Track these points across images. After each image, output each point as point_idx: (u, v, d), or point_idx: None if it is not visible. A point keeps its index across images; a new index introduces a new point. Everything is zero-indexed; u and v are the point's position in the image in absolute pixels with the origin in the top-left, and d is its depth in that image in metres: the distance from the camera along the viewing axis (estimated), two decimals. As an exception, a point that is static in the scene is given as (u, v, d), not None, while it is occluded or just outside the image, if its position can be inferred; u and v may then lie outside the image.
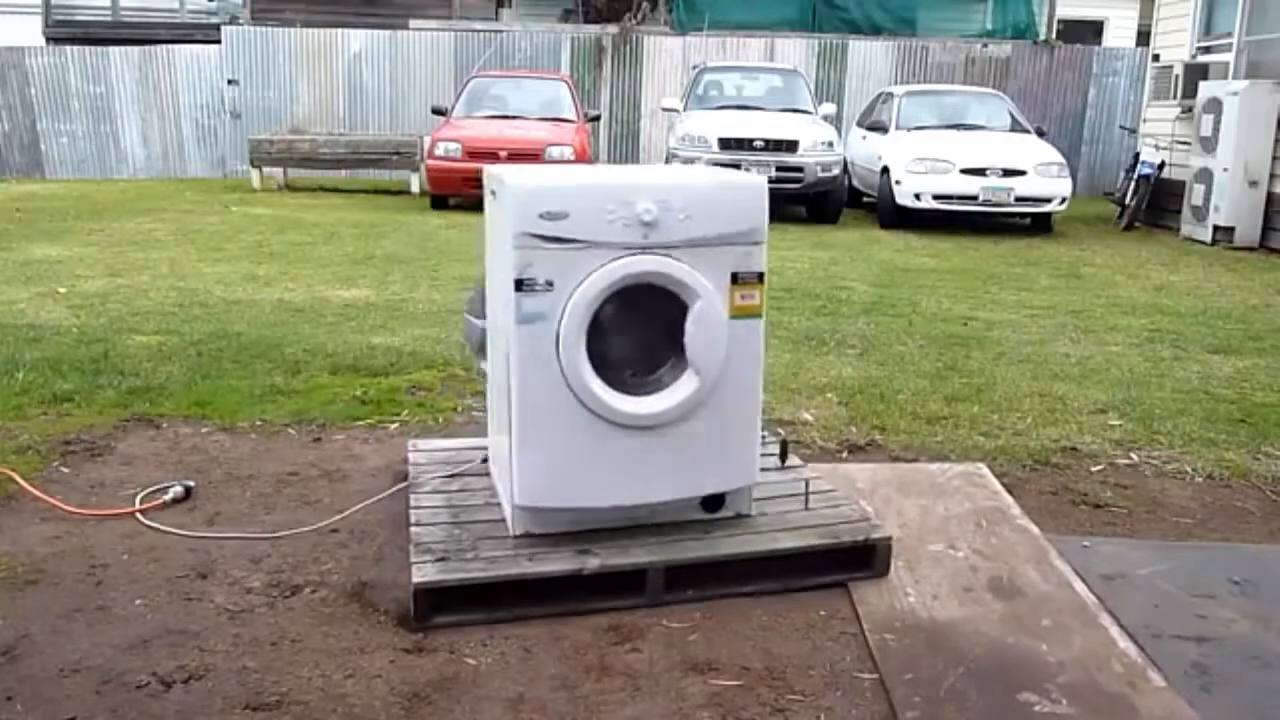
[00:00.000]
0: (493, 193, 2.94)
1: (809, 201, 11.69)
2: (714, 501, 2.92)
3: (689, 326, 2.73)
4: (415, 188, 13.44)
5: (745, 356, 2.82)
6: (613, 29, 16.25)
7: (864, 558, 2.86)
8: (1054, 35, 17.26)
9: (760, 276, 2.79)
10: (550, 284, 2.60)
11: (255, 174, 13.78)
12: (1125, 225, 11.77)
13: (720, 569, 2.76)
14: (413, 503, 3.02)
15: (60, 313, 5.89)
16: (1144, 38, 16.75)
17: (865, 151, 12.43)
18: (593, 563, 2.67)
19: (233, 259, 7.97)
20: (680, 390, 2.77)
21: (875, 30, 16.91)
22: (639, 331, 2.84)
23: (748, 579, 2.77)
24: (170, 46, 16.04)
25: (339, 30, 16.05)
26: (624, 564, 2.68)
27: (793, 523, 2.94)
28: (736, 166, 10.04)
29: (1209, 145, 10.55)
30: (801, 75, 13.71)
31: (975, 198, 10.85)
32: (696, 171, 3.54)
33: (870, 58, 16.20)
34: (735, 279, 2.75)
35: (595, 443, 2.73)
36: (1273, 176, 10.12)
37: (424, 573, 2.58)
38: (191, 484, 3.35)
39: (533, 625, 2.57)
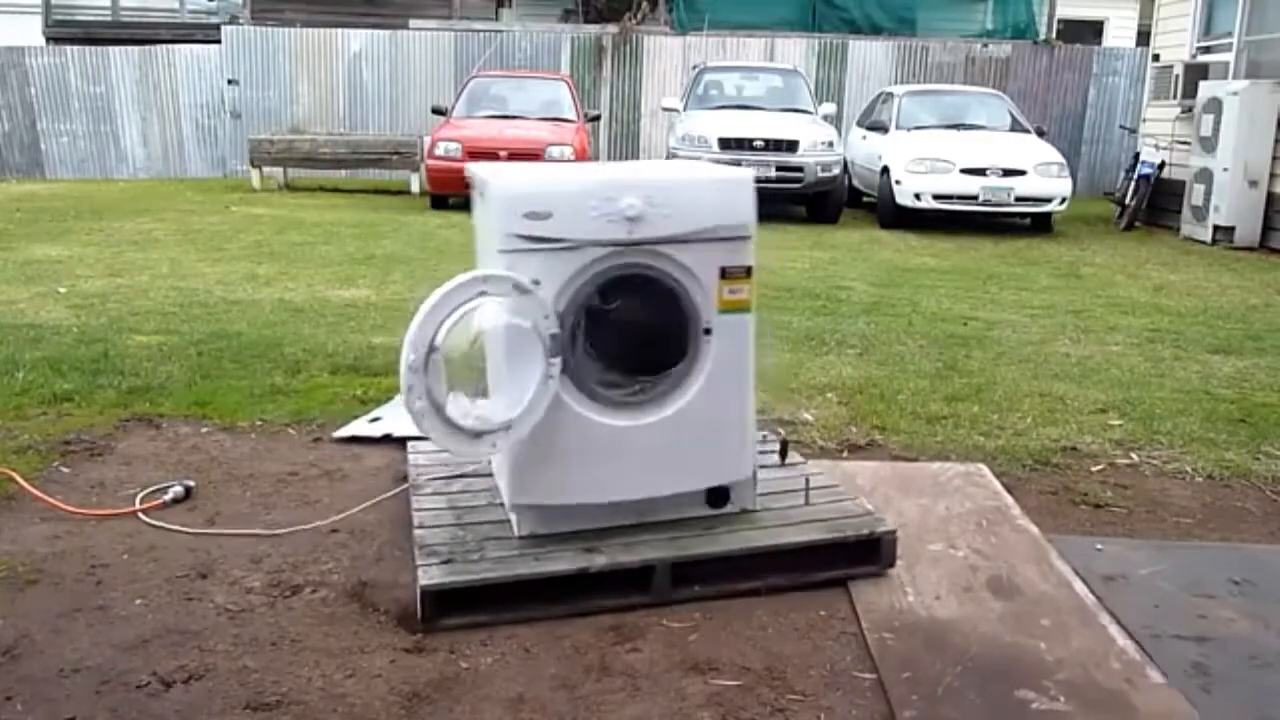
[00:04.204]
0: (480, 194, 2.95)
1: (809, 201, 11.69)
2: (719, 497, 2.93)
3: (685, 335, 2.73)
4: (415, 188, 13.44)
5: (735, 350, 2.82)
6: (613, 29, 16.25)
7: (869, 552, 2.86)
8: (1054, 35, 17.26)
9: (748, 270, 2.79)
10: (537, 284, 2.60)
11: (255, 174, 13.78)
12: (1125, 225, 11.77)
13: (726, 565, 2.77)
14: (415, 504, 3.02)
15: (60, 313, 5.89)
16: (1144, 38, 16.76)
17: (865, 151, 12.43)
18: (599, 560, 2.67)
19: (233, 259, 7.97)
20: (672, 388, 2.78)
21: (875, 30, 16.91)
22: (629, 327, 2.84)
23: (753, 574, 2.78)
24: (170, 46, 16.03)
25: (339, 30, 16.04)
26: (631, 561, 2.69)
27: (797, 518, 2.95)
28: (737, 166, 10.03)
29: (1209, 145, 10.55)
30: (801, 75, 13.71)
31: (975, 198, 10.85)
32: (683, 167, 3.54)
33: (870, 58, 16.19)
34: (723, 273, 2.76)
35: (588, 439, 2.73)
36: (1273, 176, 10.12)
37: (430, 575, 2.57)
38: (191, 484, 3.35)
39: (533, 625, 2.57)
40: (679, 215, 2.69)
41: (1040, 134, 12.16)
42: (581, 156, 11.68)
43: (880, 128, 12.29)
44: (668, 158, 11.99)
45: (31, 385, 4.38)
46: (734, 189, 2.80)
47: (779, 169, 11.02)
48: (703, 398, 2.80)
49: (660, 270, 2.72)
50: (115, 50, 15.80)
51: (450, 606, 2.55)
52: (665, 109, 13.49)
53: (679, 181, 2.89)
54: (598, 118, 14.63)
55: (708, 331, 2.78)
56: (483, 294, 2.53)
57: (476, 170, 2.97)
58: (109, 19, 18.11)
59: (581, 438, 2.73)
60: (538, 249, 2.61)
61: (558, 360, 2.61)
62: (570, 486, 2.77)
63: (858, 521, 2.93)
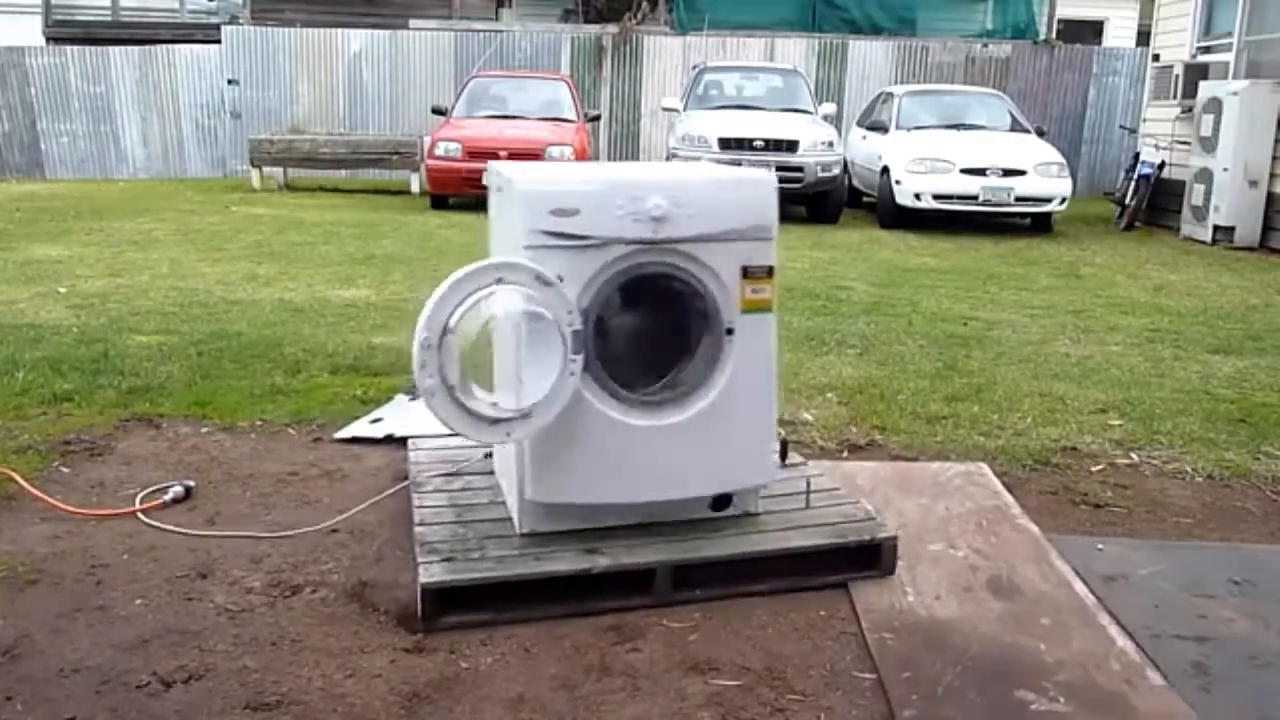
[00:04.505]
0: (499, 189, 2.94)
1: (809, 201, 11.68)
2: (722, 500, 2.93)
3: (701, 335, 2.74)
4: (415, 188, 13.44)
5: (757, 351, 2.82)
6: (613, 29, 16.25)
7: (870, 557, 2.86)
8: (1054, 35, 17.26)
9: (770, 270, 2.79)
10: (561, 280, 2.60)
11: (255, 174, 13.78)
12: (1125, 225, 11.77)
13: (728, 568, 2.76)
14: (415, 502, 3.02)
15: (60, 313, 5.89)
16: (1144, 38, 16.76)
17: (865, 151, 12.43)
18: (601, 562, 2.67)
19: (233, 259, 7.97)
20: (694, 388, 2.79)
21: (875, 30, 16.91)
22: (651, 326, 2.85)
23: (754, 578, 2.77)
24: (170, 46, 16.04)
25: (339, 30, 16.05)
26: (633, 563, 2.68)
27: (799, 522, 2.95)
28: (736, 166, 10.03)
29: (1209, 145, 10.55)
30: (801, 75, 13.71)
31: (975, 198, 10.85)
32: (707, 168, 3.55)
33: (870, 58, 16.20)
34: (746, 273, 2.76)
35: (609, 438, 2.72)
36: (1273, 176, 10.12)
37: (431, 573, 2.57)
38: (191, 484, 3.35)
39: (533, 625, 2.57)
40: (704, 215, 2.70)
41: (1040, 134, 12.16)
42: (581, 156, 11.69)
43: (880, 128, 12.29)
44: (668, 158, 11.99)
45: (31, 385, 4.38)
46: (758, 190, 2.81)
47: (779, 169, 10.83)
48: (725, 398, 2.79)
49: (684, 269, 2.72)
50: (115, 50, 15.80)
51: (451, 604, 2.55)
52: (665, 109, 13.49)
53: (704, 182, 2.89)
54: (598, 118, 14.63)
55: (730, 331, 2.78)
56: (499, 281, 2.52)
57: (497, 167, 2.97)
58: (109, 19, 18.11)
59: (602, 436, 2.72)
60: (563, 246, 2.61)
61: (580, 357, 2.60)
62: (589, 486, 2.76)
63: (859, 526, 2.92)
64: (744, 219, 2.75)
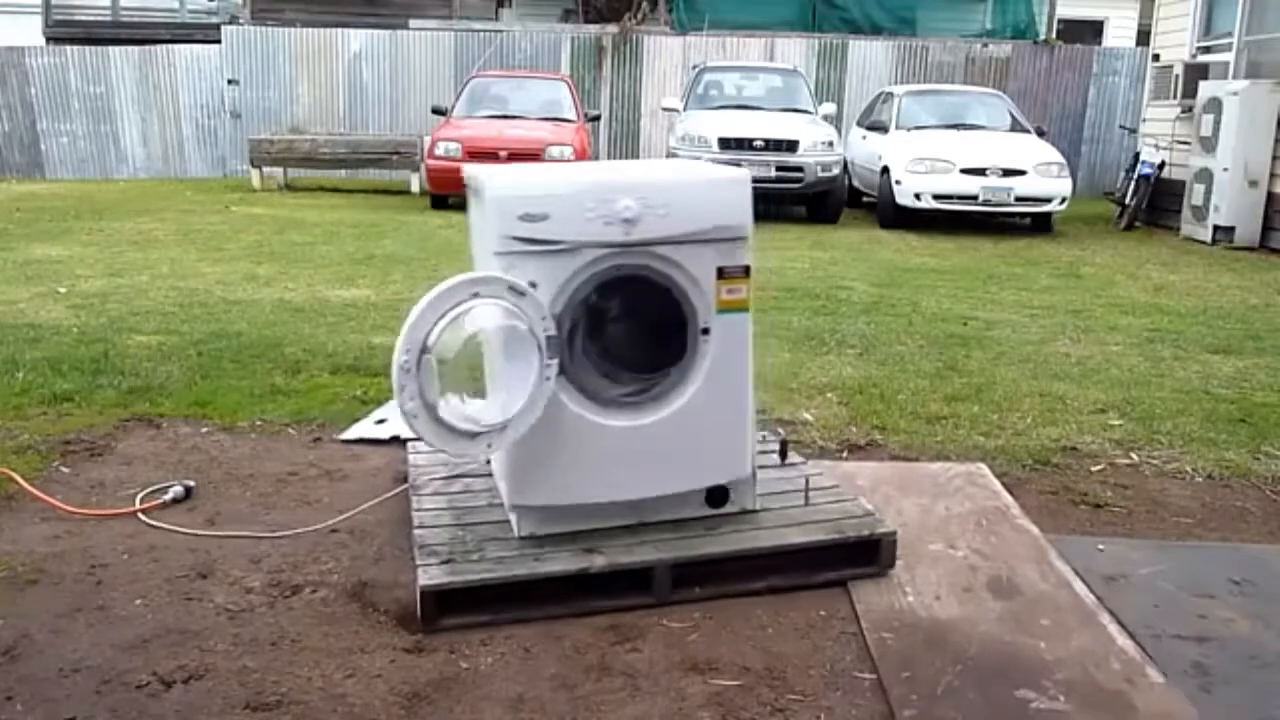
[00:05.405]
0: (475, 193, 2.94)
1: (809, 201, 11.69)
2: (719, 497, 2.93)
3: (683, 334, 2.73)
4: (415, 188, 13.44)
5: (733, 350, 2.82)
6: (613, 29, 16.25)
7: (869, 553, 2.86)
8: (1054, 35, 17.26)
9: (746, 270, 2.79)
10: (534, 285, 2.60)
11: (255, 174, 13.78)
12: (1125, 225, 11.77)
13: (726, 565, 2.76)
14: (415, 504, 3.02)
15: (60, 313, 5.89)
16: (1144, 38, 16.76)
17: (865, 151, 12.43)
18: (599, 561, 2.67)
19: (233, 259, 7.98)
20: (670, 388, 2.79)
21: (875, 30, 16.91)
22: (627, 328, 2.85)
23: (753, 575, 2.78)
24: (170, 46, 16.03)
25: (339, 30, 16.05)
26: (631, 562, 2.69)
27: (797, 519, 2.95)
28: (736, 166, 10.03)
29: (1209, 145, 10.55)
30: (801, 75, 13.71)
31: (975, 197, 10.85)
32: (679, 167, 3.54)
33: (870, 58, 16.19)
34: (721, 273, 2.76)
35: (586, 440, 2.73)
36: (1273, 176, 10.12)
37: (430, 575, 2.57)
38: (191, 484, 3.35)
39: (532, 625, 2.57)
40: (676, 216, 2.69)
41: (1040, 134, 12.15)
42: (581, 156, 11.69)
43: (880, 128, 12.29)
44: (668, 158, 11.99)
45: (31, 385, 4.38)
46: (730, 189, 2.80)
47: (779, 169, 11.01)
48: (701, 397, 2.80)
49: (658, 271, 2.72)
50: (115, 50, 15.80)
51: (450, 606, 2.55)
52: (665, 109, 13.50)
53: (675, 183, 2.89)
54: (598, 118, 14.63)
55: (705, 331, 2.78)
56: (476, 295, 2.53)
57: (472, 171, 2.97)
58: (109, 19, 18.10)
59: (580, 438, 2.73)
60: (534, 251, 2.61)
61: (554, 362, 2.61)
62: (569, 487, 2.77)
63: (858, 522, 2.92)
64: (717, 219, 2.73)
